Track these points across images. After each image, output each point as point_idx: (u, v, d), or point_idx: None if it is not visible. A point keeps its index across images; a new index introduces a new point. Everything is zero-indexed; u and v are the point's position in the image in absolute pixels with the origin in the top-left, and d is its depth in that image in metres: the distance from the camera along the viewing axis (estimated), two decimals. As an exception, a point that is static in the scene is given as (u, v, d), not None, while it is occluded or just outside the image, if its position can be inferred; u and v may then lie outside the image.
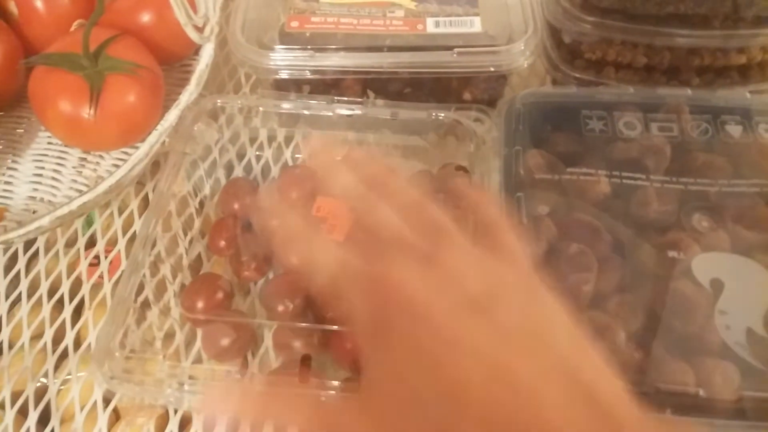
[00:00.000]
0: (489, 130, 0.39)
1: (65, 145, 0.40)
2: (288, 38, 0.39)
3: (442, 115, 0.38)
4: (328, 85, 0.42)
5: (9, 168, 0.39)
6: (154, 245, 0.35)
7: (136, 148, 0.36)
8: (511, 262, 0.23)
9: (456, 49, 0.37)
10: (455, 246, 0.23)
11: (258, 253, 0.37)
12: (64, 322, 0.36)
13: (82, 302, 0.37)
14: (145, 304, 0.35)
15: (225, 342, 0.33)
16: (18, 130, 0.41)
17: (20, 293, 0.37)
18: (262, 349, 0.34)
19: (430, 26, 0.40)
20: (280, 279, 0.37)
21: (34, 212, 0.37)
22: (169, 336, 0.35)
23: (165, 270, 0.36)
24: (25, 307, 0.36)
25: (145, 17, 0.39)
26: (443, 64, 0.38)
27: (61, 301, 0.37)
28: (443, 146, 0.41)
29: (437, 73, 0.39)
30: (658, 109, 0.39)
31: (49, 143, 0.40)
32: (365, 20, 0.40)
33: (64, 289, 0.37)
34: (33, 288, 0.37)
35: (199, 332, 0.35)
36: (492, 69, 0.38)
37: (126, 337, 0.32)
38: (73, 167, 0.39)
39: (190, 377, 0.32)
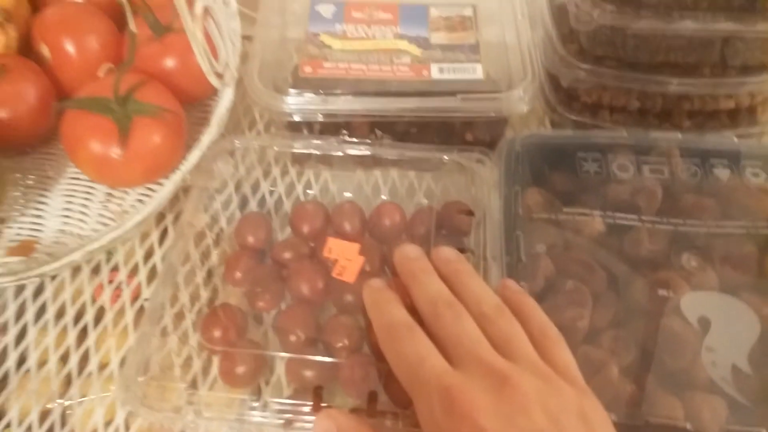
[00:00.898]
0: (490, 170, 0.41)
1: (92, 181, 0.42)
2: (301, 82, 0.42)
3: (446, 156, 0.41)
4: (337, 125, 0.44)
5: (39, 202, 0.41)
6: (174, 276, 0.37)
7: (160, 184, 0.38)
8: (571, 382, 0.26)
9: (459, 95, 0.40)
10: (526, 364, 0.26)
11: (271, 285, 0.40)
12: (88, 348, 0.38)
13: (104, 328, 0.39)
14: (165, 332, 0.37)
15: (240, 370, 0.35)
16: (47, 167, 0.43)
17: (47, 320, 0.39)
18: (275, 377, 0.36)
19: (435, 72, 0.42)
20: (293, 310, 0.39)
21: (64, 245, 0.39)
22: (187, 363, 0.37)
23: (184, 299, 0.38)
24: (52, 331, 0.39)
25: (169, 63, 0.42)
26: (447, 109, 0.40)
27: (85, 328, 0.39)
28: (446, 184, 0.43)
29: (442, 117, 0.41)
30: (650, 152, 0.41)
31: (76, 179, 0.43)
32: (374, 66, 0.43)
33: (89, 317, 0.39)
34: (59, 314, 0.40)
35: (216, 360, 0.37)
36: (493, 114, 0.40)
37: (147, 363, 0.34)
38: (100, 202, 0.41)
39: (206, 404, 0.35)
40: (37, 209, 0.41)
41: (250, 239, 0.42)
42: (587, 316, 0.34)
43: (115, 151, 0.37)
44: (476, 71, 0.42)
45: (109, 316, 0.40)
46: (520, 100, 0.40)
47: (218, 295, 0.41)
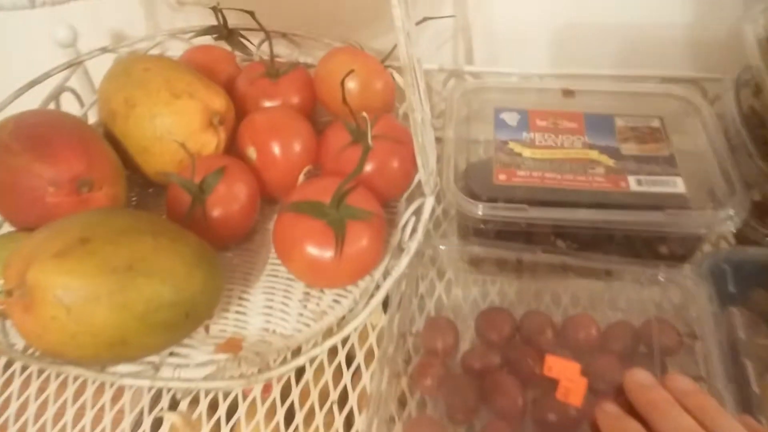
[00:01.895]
0: (692, 286, 0.40)
1: (291, 280, 0.43)
2: (499, 191, 0.43)
3: (650, 272, 0.40)
4: (515, 233, 0.44)
5: (241, 299, 0.43)
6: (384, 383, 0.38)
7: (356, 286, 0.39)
8: None
9: (667, 210, 0.40)
10: None
11: (468, 397, 0.39)
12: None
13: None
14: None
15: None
16: (247, 264, 0.45)
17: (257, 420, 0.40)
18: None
19: (633, 184, 0.42)
20: (494, 426, 0.38)
21: (268, 344, 0.40)
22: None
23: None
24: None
25: (369, 167, 0.44)
26: (651, 224, 0.40)
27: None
28: (644, 299, 0.42)
29: (641, 231, 0.41)
30: None
31: (274, 276, 0.44)
32: (568, 176, 0.43)
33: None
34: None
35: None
36: (703, 231, 0.39)
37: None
38: (299, 300, 0.42)
39: None
40: (240, 306, 0.42)
41: (439, 344, 0.42)
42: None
43: (330, 255, 0.39)
44: (677, 185, 0.42)
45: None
46: (729, 219, 0.39)
47: (407, 402, 0.41)
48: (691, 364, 0.36)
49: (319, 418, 0.40)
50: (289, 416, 0.42)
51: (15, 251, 0.35)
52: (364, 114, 0.38)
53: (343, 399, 0.42)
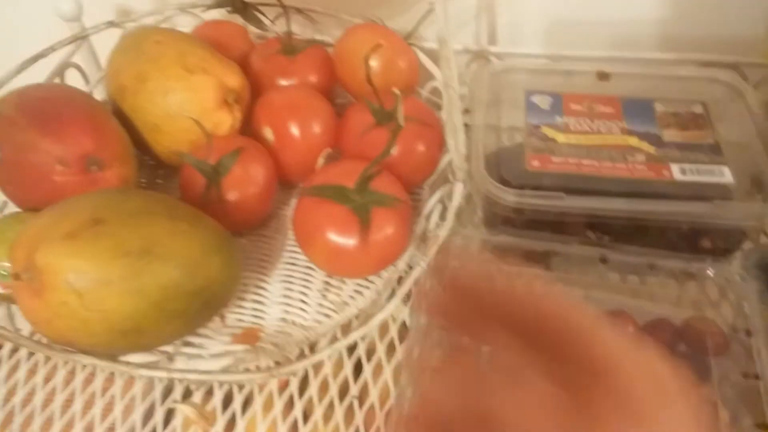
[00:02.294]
0: (741, 281, 0.38)
1: (310, 269, 0.41)
2: (532, 177, 0.40)
3: (696, 266, 0.38)
4: (545, 222, 0.42)
5: (258, 287, 0.40)
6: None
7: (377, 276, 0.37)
8: None
9: (715, 201, 0.37)
10: None
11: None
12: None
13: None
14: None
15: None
16: (263, 250, 0.43)
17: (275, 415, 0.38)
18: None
19: (677, 173, 0.40)
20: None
21: (287, 335, 0.38)
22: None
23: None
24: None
25: (394, 150, 0.41)
26: (697, 215, 0.38)
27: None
28: (682, 295, 0.40)
29: (684, 222, 0.38)
30: None
31: (292, 264, 0.42)
32: (607, 163, 0.41)
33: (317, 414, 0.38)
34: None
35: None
36: (753, 222, 0.37)
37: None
38: (318, 290, 0.40)
39: None
40: (257, 295, 0.40)
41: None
42: None
43: (353, 242, 0.36)
44: (723, 174, 0.39)
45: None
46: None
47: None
48: (747, 361, 0.34)
49: (339, 413, 0.38)
50: (306, 411, 0.40)
51: (22, 231, 0.33)
52: (396, 90, 0.36)
53: (363, 394, 0.40)
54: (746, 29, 0.51)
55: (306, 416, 0.39)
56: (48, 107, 0.38)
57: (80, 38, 0.51)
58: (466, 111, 0.45)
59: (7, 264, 0.36)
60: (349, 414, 0.39)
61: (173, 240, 0.33)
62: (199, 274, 0.33)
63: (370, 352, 0.42)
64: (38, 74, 0.49)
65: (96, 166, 0.38)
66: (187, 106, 0.41)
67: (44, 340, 0.35)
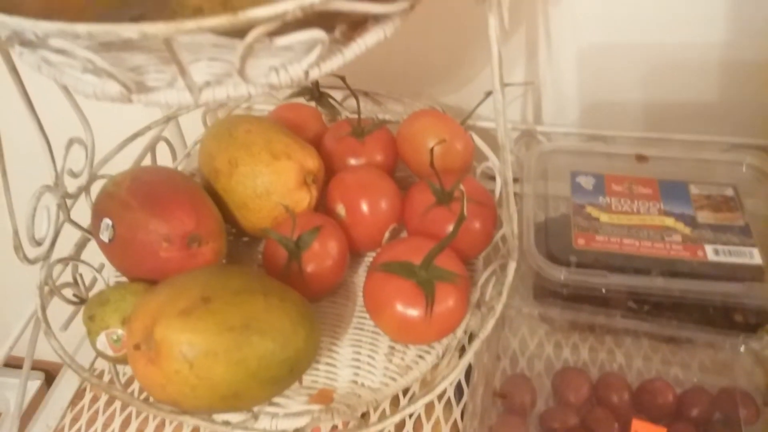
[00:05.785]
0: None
1: (376, 334, 0.46)
2: (578, 255, 0.45)
3: (731, 341, 0.42)
4: (590, 296, 0.46)
5: (330, 350, 0.45)
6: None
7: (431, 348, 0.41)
8: None
9: (746, 282, 0.41)
10: None
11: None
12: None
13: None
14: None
15: None
16: (333, 316, 0.48)
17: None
18: None
19: (710, 254, 0.44)
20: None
21: (357, 396, 0.42)
22: None
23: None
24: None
25: (451, 227, 0.46)
26: (730, 295, 0.42)
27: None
28: (719, 367, 0.43)
29: (724, 301, 0.42)
30: None
31: (360, 329, 0.47)
32: (646, 242, 0.45)
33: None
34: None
35: None
36: (782, 304, 0.41)
37: None
38: (384, 354, 0.45)
39: None
40: (330, 357, 0.45)
41: (517, 400, 0.44)
42: None
43: (419, 314, 0.41)
44: (753, 256, 0.43)
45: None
46: (808, 291, 0.41)
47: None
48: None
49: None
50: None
51: (139, 306, 0.38)
52: (462, 187, 0.41)
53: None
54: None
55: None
56: (156, 191, 0.44)
57: (171, 118, 0.58)
58: (516, 180, 0.51)
59: (120, 331, 0.42)
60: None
61: (268, 315, 0.38)
62: (289, 345, 0.38)
63: (429, 409, 0.47)
64: (134, 145, 0.56)
65: (196, 243, 0.43)
66: (273, 187, 0.47)
67: (150, 399, 0.41)
